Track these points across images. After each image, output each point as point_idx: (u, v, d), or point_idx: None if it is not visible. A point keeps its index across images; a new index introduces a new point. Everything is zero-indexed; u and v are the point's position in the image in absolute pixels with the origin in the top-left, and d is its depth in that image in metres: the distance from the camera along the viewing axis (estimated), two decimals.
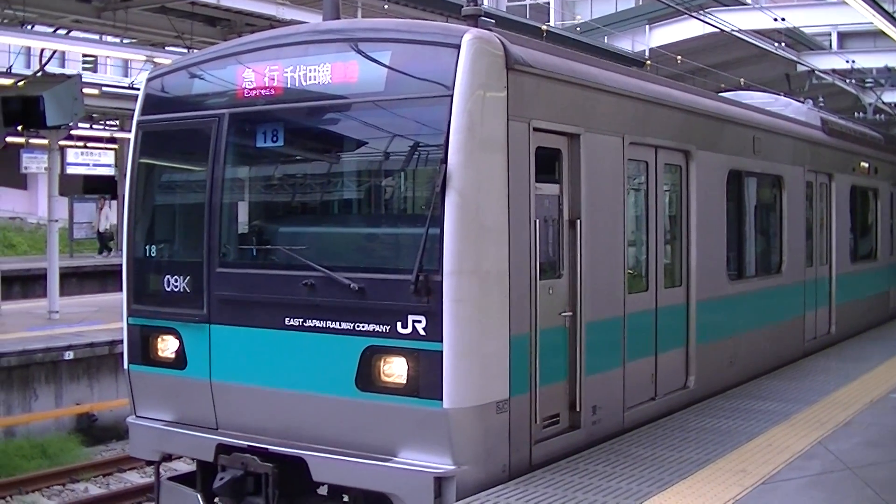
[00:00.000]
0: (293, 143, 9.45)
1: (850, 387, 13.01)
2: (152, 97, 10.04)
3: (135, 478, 16.24)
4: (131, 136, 10.12)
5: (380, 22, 9.17)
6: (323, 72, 8.75)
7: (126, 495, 15.08)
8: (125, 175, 10.62)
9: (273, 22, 21.23)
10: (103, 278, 33.68)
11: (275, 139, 9.21)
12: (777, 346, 14.73)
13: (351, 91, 8.71)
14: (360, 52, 8.71)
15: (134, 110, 10.15)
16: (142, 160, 10.05)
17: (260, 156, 9.54)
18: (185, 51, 22.29)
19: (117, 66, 52.31)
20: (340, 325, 8.46)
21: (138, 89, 10.63)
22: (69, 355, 18.54)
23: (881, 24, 20.28)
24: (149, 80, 10.17)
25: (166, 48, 25.33)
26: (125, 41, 27.01)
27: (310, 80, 8.83)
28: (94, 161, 39.65)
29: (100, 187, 40.53)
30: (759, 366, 13.87)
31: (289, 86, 8.94)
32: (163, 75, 10.13)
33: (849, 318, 18.02)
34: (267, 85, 9.06)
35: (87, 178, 40.81)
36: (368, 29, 9.02)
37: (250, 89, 9.18)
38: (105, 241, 39.67)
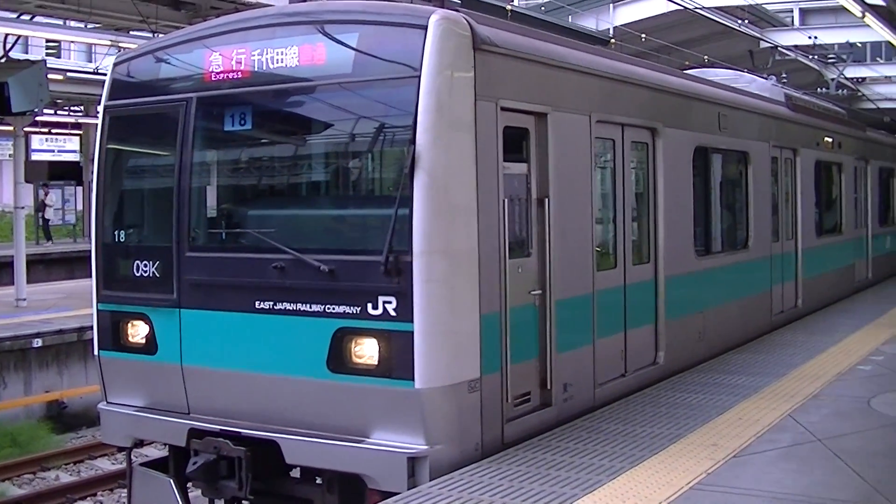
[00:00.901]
0: (261, 127, 9.41)
1: (817, 359, 13.14)
2: (119, 82, 9.98)
3: (106, 465, 16.21)
4: (99, 121, 10.08)
5: (346, 4, 9.15)
6: (290, 54, 8.73)
7: (98, 482, 15.04)
8: (91, 161, 10.57)
9: (238, 5, 21.05)
10: (71, 264, 33.49)
11: (243, 122, 9.18)
12: (745, 321, 14.84)
13: (318, 73, 8.69)
14: (326, 34, 8.70)
15: (99, 95, 10.10)
16: (109, 145, 9.99)
17: (228, 139, 9.49)
18: (150, 35, 22.12)
19: (81, 51, 51.82)
20: (311, 308, 8.47)
21: (103, 74, 10.58)
22: (38, 343, 18.45)
23: None
24: (115, 64, 10.10)
25: (131, 33, 25.10)
26: (89, 26, 26.77)
27: (277, 62, 8.80)
28: (59, 147, 39.41)
29: (65, 173, 40.20)
30: (727, 340, 13.98)
31: (256, 69, 8.91)
32: (129, 60, 10.07)
33: (815, 292, 18.18)
34: (234, 68, 9.03)
35: (52, 164, 40.46)
36: (335, 11, 8.99)
37: (217, 73, 9.14)
38: (46, 227, 39.44)
